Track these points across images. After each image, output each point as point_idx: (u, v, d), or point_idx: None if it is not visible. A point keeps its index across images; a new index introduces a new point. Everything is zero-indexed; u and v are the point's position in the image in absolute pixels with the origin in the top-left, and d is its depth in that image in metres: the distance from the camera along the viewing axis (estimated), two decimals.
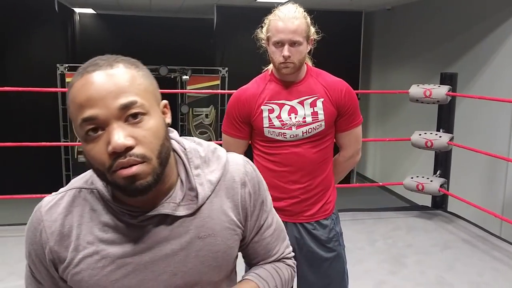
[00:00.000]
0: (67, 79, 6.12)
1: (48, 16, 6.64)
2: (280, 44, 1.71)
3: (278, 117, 1.79)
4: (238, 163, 0.97)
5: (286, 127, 1.79)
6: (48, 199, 0.92)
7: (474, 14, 5.53)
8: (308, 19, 1.77)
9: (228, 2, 7.14)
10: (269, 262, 1.05)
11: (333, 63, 7.19)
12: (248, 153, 1.55)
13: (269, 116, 1.80)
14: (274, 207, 1.04)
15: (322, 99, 1.80)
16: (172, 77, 6.64)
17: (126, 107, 0.77)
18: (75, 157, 7.06)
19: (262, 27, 1.83)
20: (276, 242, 1.05)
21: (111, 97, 0.76)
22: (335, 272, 1.93)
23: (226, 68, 7.32)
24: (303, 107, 1.80)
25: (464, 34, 5.70)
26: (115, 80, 0.78)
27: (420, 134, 4.46)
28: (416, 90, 4.37)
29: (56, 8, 6.62)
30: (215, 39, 7.60)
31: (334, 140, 1.94)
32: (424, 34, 6.44)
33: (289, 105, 1.80)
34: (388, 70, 7.25)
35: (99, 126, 0.77)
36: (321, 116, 1.80)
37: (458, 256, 3.60)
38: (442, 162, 4.67)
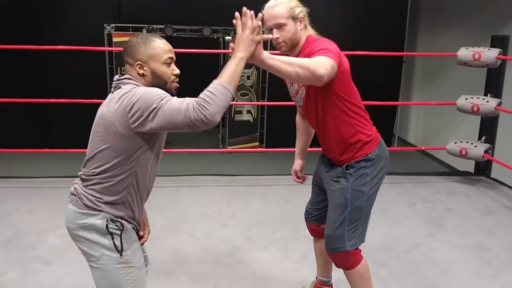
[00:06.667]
0: (114, 39, 6.21)
1: None
2: (270, 30, 1.95)
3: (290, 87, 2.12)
4: None
5: (293, 97, 2.13)
6: None
7: None
8: (292, 2, 1.94)
9: None
10: None
11: (378, 24, 7.02)
12: None
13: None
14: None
15: None
16: (215, 37, 6.64)
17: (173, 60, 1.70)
18: None
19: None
20: None
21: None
22: (337, 200, 2.04)
23: None
24: None
25: None
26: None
27: (466, 99, 4.37)
28: (464, 52, 4.25)
29: None
30: None
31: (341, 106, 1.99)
32: None
33: None
34: (435, 32, 6.99)
35: (171, 62, 1.66)
36: None
37: (499, 222, 3.58)
38: (488, 127, 4.57)
